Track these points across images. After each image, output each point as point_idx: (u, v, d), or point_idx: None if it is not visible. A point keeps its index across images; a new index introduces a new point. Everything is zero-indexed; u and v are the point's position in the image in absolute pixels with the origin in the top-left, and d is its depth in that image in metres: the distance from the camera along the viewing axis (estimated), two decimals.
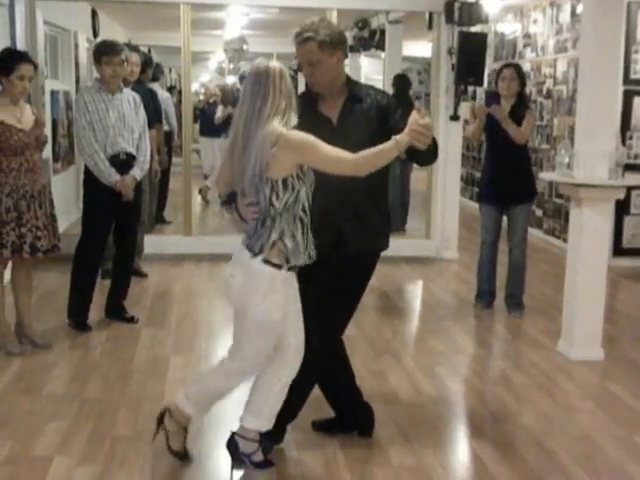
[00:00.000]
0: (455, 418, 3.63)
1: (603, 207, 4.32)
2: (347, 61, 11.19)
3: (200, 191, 9.82)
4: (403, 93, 7.92)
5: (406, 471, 3.04)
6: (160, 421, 3.01)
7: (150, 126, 6.10)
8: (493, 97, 5.18)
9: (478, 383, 4.09)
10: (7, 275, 4.43)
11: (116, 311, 4.89)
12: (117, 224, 4.77)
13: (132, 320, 4.87)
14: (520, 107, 5.09)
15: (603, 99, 4.28)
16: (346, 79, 3.06)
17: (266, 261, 2.73)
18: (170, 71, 18.72)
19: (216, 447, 3.21)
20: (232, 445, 3.02)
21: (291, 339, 2.90)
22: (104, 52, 4.58)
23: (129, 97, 4.75)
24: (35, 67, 4.14)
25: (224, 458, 3.08)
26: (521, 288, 5.26)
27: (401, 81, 8.04)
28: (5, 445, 3.12)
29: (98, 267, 4.89)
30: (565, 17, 7.74)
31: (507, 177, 5.06)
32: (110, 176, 4.57)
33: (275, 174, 2.69)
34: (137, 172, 4.71)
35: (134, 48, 5.59)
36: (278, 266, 2.74)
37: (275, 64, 2.78)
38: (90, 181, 4.64)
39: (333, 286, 3.01)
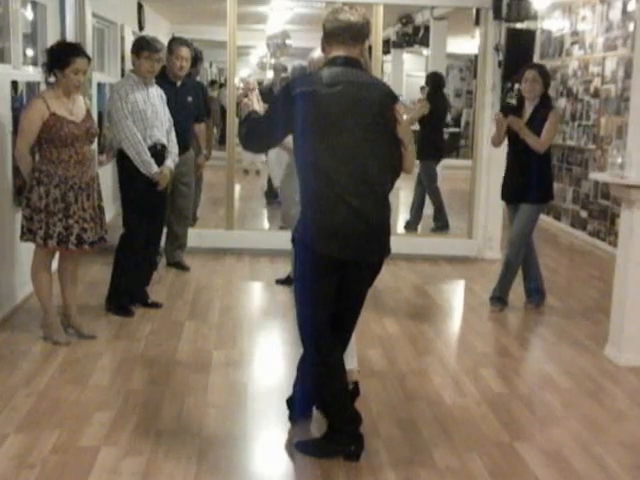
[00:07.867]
0: (500, 421, 3.56)
1: None
2: (389, 57, 11.01)
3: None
4: (437, 90, 7.81)
5: (451, 473, 3.00)
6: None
7: (200, 120, 6.13)
8: (509, 108, 5.17)
9: (523, 386, 4.02)
10: (54, 266, 4.48)
11: (139, 296, 4.95)
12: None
13: (156, 305, 4.96)
14: (542, 109, 5.03)
15: None
16: None
17: None
18: (211, 65, 18.82)
19: (256, 442, 3.22)
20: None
21: None
22: (145, 47, 4.66)
23: (158, 91, 4.86)
24: (89, 60, 4.16)
25: (264, 453, 3.08)
26: (505, 287, 5.23)
27: (435, 79, 7.93)
28: (53, 434, 3.16)
29: (143, 256, 4.92)
30: (616, 14, 7.57)
31: (517, 178, 5.09)
32: (151, 167, 4.65)
33: None
34: (171, 163, 4.85)
35: (185, 42, 5.51)
36: None
37: None
38: (129, 175, 4.68)
39: None
